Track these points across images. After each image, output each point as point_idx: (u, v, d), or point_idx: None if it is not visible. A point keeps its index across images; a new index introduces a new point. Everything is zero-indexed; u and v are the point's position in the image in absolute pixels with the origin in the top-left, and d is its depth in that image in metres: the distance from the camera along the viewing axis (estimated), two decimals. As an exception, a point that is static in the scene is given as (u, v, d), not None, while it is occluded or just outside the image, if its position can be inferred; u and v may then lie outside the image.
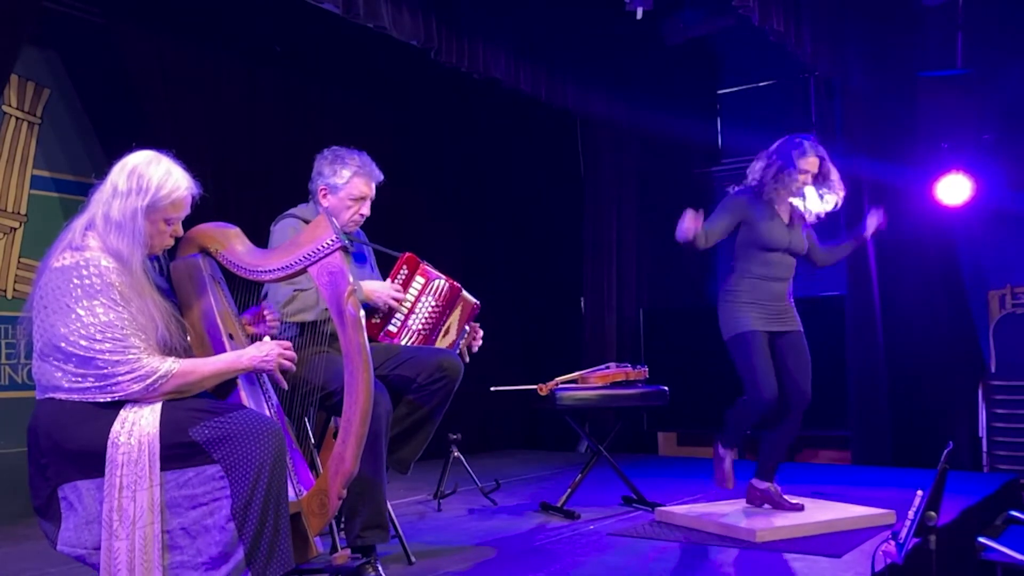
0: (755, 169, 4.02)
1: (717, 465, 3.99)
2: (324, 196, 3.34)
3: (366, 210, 3.37)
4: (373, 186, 3.36)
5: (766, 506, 3.96)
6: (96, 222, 2.39)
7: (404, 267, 3.37)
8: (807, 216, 4.04)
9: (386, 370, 3.17)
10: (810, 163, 3.94)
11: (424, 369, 3.22)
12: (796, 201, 3.98)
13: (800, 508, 3.91)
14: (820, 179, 3.99)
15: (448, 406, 3.31)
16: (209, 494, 2.29)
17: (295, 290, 3.13)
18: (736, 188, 4.06)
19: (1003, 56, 5.88)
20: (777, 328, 3.95)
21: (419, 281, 3.38)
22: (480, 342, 3.60)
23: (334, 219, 2.71)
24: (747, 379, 3.87)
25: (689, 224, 3.71)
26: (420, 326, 3.39)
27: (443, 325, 3.46)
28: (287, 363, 2.54)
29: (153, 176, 2.41)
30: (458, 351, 3.49)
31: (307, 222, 3.18)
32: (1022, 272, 5.97)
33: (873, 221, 4.20)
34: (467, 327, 3.54)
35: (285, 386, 2.65)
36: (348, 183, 3.30)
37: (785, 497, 3.95)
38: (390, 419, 3.09)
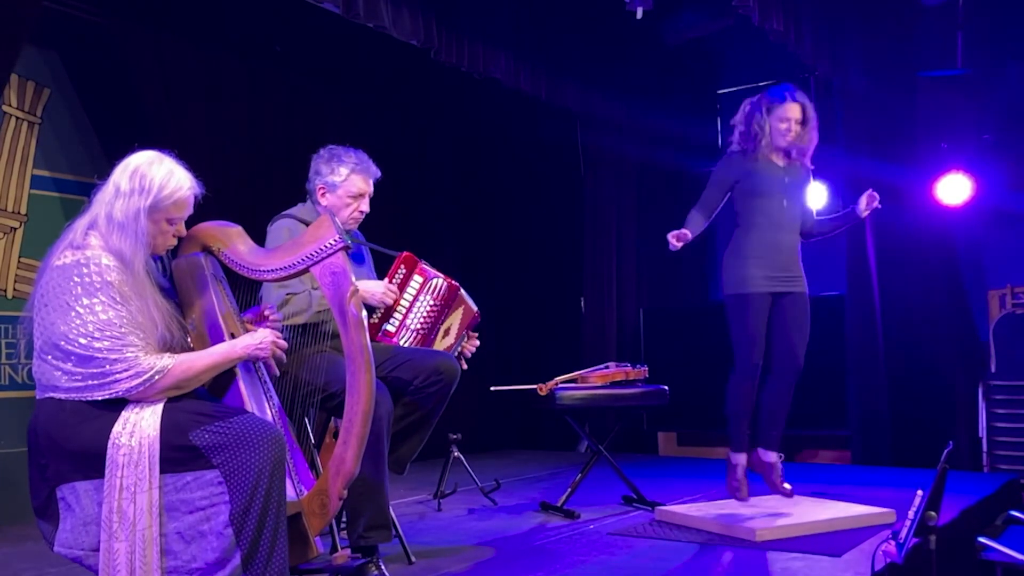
0: (738, 123, 3.96)
1: (729, 473, 3.97)
2: (323, 195, 3.33)
3: (365, 207, 3.37)
4: (371, 183, 3.36)
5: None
6: (99, 222, 2.39)
7: (402, 266, 3.36)
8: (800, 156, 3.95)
9: (383, 371, 3.16)
10: (788, 110, 3.86)
11: (421, 372, 3.21)
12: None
13: (789, 494, 3.93)
14: (803, 125, 3.90)
15: (445, 408, 3.31)
16: (206, 499, 2.28)
17: (287, 293, 3.13)
18: (730, 148, 4.03)
19: (1003, 56, 5.88)
20: (781, 288, 3.89)
21: (417, 280, 3.37)
22: (473, 350, 3.59)
23: (336, 219, 2.71)
24: (737, 341, 3.85)
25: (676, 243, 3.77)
26: (418, 325, 3.38)
27: (441, 325, 3.45)
28: (279, 352, 2.55)
29: (156, 176, 2.41)
30: (455, 355, 3.49)
31: (304, 222, 3.19)
32: (1022, 272, 5.97)
33: (866, 201, 3.94)
34: (466, 334, 3.54)
35: (277, 373, 2.65)
36: (346, 180, 3.30)
37: (784, 484, 3.94)
38: (391, 419, 3.10)
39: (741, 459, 3.95)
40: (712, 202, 3.97)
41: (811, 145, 3.96)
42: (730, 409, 3.93)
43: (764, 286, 3.85)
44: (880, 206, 3.98)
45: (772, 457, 3.97)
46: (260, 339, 2.51)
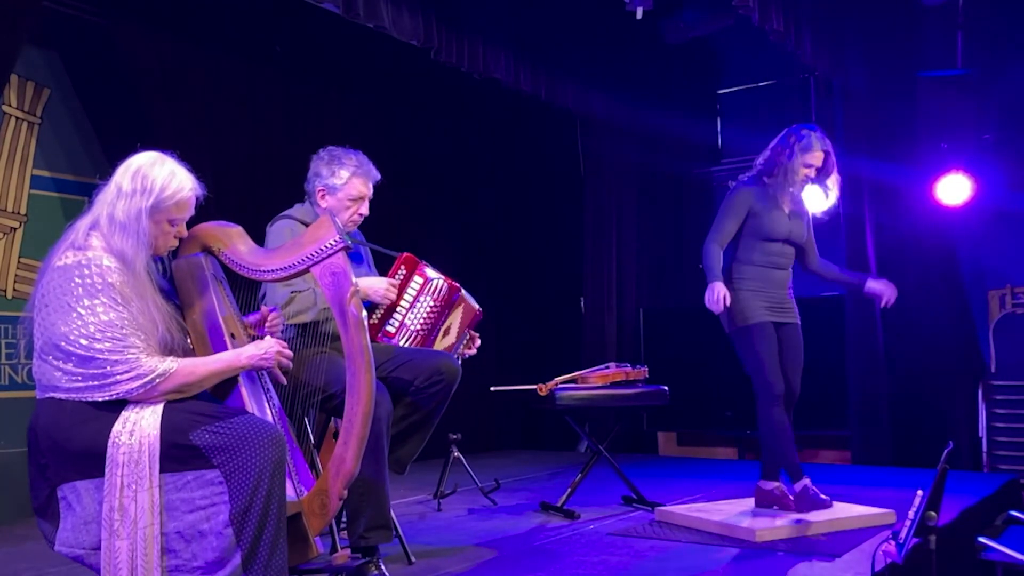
0: (760, 159, 4.01)
1: (769, 499, 3.92)
2: (322, 197, 3.33)
3: (365, 210, 3.36)
4: (371, 185, 3.35)
5: (775, 507, 3.92)
6: (100, 223, 2.39)
7: (402, 267, 3.36)
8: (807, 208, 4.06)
9: (384, 372, 3.16)
10: (814, 157, 3.92)
11: (422, 372, 3.21)
12: (805, 192, 4.01)
13: (828, 504, 3.88)
14: (822, 174, 3.98)
15: (445, 409, 3.31)
16: (207, 499, 2.28)
17: (292, 291, 3.13)
18: (742, 178, 4.04)
19: (1003, 56, 5.88)
20: (780, 319, 3.94)
21: (417, 281, 3.37)
22: (475, 351, 3.59)
23: (337, 220, 2.71)
24: (755, 373, 3.86)
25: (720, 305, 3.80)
26: (418, 326, 3.38)
27: (442, 325, 3.45)
28: (285, 361, 2.55)
29: (157, 177, 2.42)
30: (455, 356, 3.49)
31: (304, 223, 3.19)
32: (1022, 272, 5.97)
33: (884, 292, 4.12)
34: (467, 332, 3.54)
35: (284, 381, 2.65)
36: (347, 183, 3.29)
37: (791, 497, 3.92)
38: (391, 419, 3.10)
39: (773, 483, 3.93)
40: (729, 233, 3.96)
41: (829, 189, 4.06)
42: (766, 440, 3.89)
43: (766, 315, 3.89)
44: (890, 305, 4.16)
45: (771, 486, 3.94)
46: (265, 349, 2.50)
